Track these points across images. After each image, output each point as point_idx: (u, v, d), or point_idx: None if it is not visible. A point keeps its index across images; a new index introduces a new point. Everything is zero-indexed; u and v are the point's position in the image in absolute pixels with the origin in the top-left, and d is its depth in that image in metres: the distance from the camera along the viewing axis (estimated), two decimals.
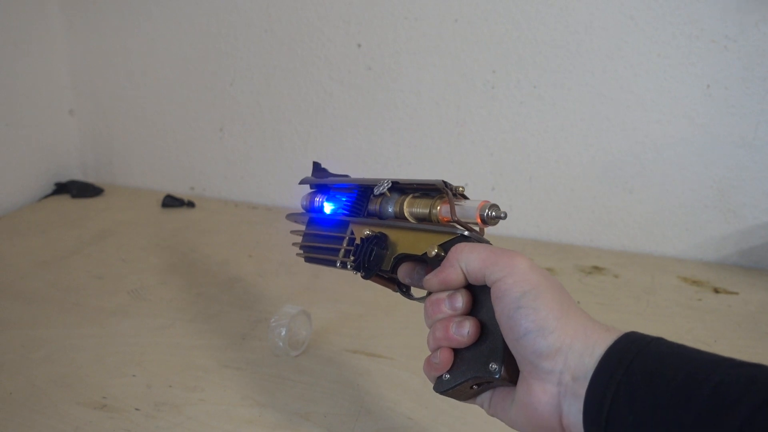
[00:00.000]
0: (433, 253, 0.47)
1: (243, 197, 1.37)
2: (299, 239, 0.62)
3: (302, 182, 0.65)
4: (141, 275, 1.00)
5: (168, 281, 0.98)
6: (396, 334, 0.82)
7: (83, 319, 0.86)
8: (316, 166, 0.67)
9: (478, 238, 0.48)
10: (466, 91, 1.14)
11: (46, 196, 1.37)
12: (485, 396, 0.45)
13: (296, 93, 1.25)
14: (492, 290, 0.42)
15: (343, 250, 0.55)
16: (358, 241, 0.53)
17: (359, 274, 0.53)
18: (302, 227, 0.62)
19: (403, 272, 0.51)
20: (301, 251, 0.60)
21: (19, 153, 1.32)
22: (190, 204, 1.33)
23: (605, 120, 1.07)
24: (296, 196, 1.36)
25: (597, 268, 1.05)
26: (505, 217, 0.48)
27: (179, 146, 1.39)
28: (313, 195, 0.62)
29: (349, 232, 0.56)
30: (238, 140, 1.33)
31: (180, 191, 1.40)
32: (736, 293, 0.96)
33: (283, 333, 0.76)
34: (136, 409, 0.68)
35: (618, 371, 0.36)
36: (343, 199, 0.58)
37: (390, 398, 0.69)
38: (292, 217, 0.64)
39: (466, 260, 0.43)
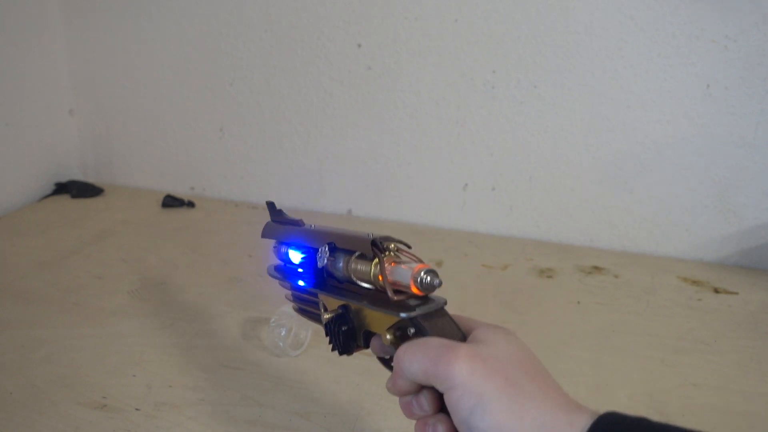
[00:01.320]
0: (387, 341, 0.45)
1: (243, 197, 1.37)
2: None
3: (264, 236, 0.61)
4: (141, 275, 1.00)
5: (168, 281, 0.98)
6: None
7: (83, 319, 0.86)
8: (271, 208, 0.62)
9: (427, 310, 0.44)
10: (466, 91, 1.14)
11: (46, 196, 1.37)
12: None
13: (296, 93, 1.25)
14: (445, 400, 0.39)
15: (323, 317, 0.52)
16: (327, 316, 0.51)
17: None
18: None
19: (375, 347, 0.49)
20: (295, 306, 0.59)
21: (19, 153, 1.32)
22: (190, 204, 1.33)
23: (605, 120, 1.07)
24: (295, 196, 1.36)
25: (597, 268, 1.05)
26: (439, 285, 0.43)
27: (179, 146, 1.39)
28: (279, 246, 0.59)
29: (321, 302, 0.53)
30: (238, 140, 1.33)
31: (180, 191, 1.40)
32: (736, 293, 0.96)
33: (283, 333, 0.76)
34: (136, 409, 0.68)
35: None
36: (301, 261, 0.55)
37: (390, 398, 0.69)
38: (272, 277, 0.62)
39: (409, 372, 0.41)
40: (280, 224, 0.59)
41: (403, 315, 0.43)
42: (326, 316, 0.50)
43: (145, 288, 0.96)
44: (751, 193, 1.03)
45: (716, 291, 0.97)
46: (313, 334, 0.81)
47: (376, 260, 0.46)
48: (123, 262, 1.05)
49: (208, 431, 0.64)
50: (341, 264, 0.49)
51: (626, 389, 0.72)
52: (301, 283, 0.55)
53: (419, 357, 0.40)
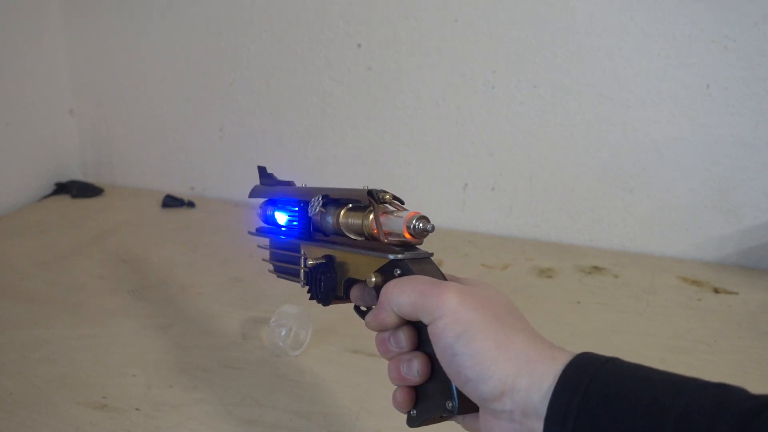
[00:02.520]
0: (372, 282, 0.45)
1: (243, 197, 1.37)
2: (267, 253, 0.61)
3: (252, 196, 0.63)
4: (141, 275, 1.00)
5: (168, 281, 0.98)
6: None
7: (83, 319, 0.86)
8: (262, 172, 0.64)
9: (414, 256, 0.45)
10: (466, 91, 1.14)
11: (46, 196, 1.37)
12: (459, 417, 0.44)
13: (296, 93, 1.25)
14: (428, 332, 0.40)
15: (302, 271, 0.54)
16: (310, 262, 0.52)
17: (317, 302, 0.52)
18: (266, 242, 0.60)
19: (355, 295, 0.50)
20: (272, 267, 0.59)
21: (19, 153, 1.32)
22: (190, 204, 1.33)
23: (605, 120, 1.07)
24: None
25: (597, 268, 1.05)
26: (432, 230, 0.45)
27: (179, 146, 1.39)
28: (265, 207, 0.60)
29: (302, 253, 0.54)
30: (238, 140, 1.33)
31: (180, 191, 1.40)
32: (736, 293, 0.96)
33: (283, 333, 0.76)
34: (136, 409, 0.68)
35: (574, 399, 0.34)
36: (288, 217, 0.57)
37: (390, 398, 0.69)
38: (254, 235, 0.62)
39: (396, 304, 0.41)
40: (269, 186, 0.61)
41: (391, 257, 0.45)
42: (310, 262, 0.51)
43: (145, 288, 0.96)
44: (751, 193, 1.03)
45: (716, 291, 0.97)
46: (313, 334, 0.81)
47: (370, 209, 0.47)
48: (123, 262, 1.05)
49: (208, 431, 0.64)
50: (331, 216, 0.51)
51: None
52: (284, 236, 0.56)
53: (408, 290, 0.41)
